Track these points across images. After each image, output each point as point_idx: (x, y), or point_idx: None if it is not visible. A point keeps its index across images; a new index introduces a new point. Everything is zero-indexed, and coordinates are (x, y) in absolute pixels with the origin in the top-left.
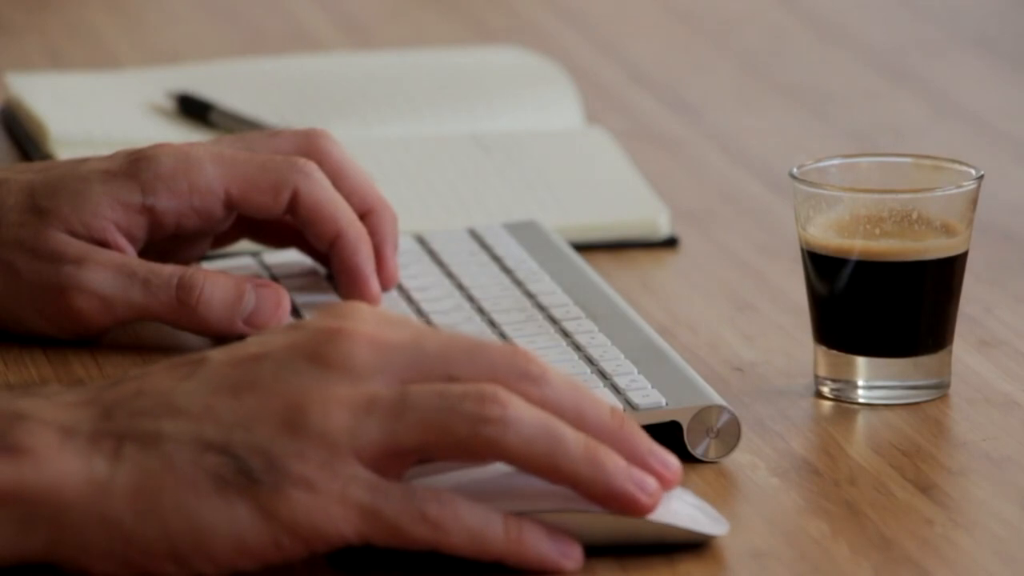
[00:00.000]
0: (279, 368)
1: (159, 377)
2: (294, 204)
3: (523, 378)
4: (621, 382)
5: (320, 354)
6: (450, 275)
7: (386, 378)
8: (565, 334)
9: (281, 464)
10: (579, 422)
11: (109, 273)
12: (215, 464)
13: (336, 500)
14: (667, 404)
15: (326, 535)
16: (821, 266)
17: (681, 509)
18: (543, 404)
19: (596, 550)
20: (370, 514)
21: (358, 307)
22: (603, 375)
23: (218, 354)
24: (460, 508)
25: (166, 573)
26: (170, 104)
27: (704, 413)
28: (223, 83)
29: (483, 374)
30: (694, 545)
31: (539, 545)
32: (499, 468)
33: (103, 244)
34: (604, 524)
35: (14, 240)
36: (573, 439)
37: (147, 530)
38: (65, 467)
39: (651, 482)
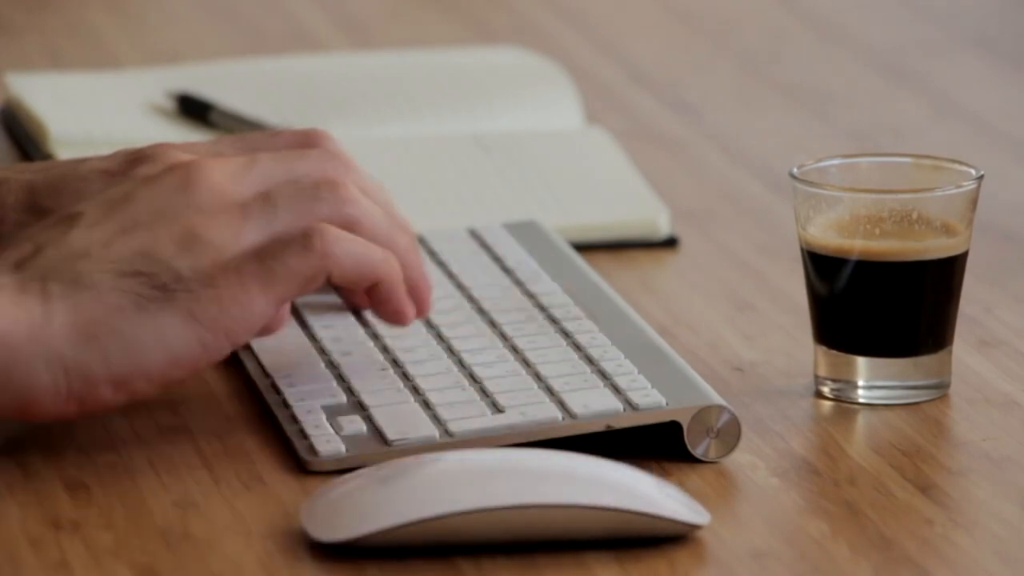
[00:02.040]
0: (154, 202)
1: (45, 234)
2: None
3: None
4: (621, 382)
5: (185, 183)
6: (450, 275)
7: (244, 188)
8: (565, 334)
9: (186, 273)
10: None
11: None
12: (132, 285)
13: (237, 286)
14: (667, 404)
15: (241, 319)
16: (821, 266)
17: (664, 502)
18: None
19: (595, 549)
20: (267, 278)
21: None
22: (603, 375)
23: (88, 206)
24: (340, 235)
25: (106, 399)
26: (170, 104)
27: (704, 413)
28: (223, 83)
29: (315, 171)
30: (689, 542)
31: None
32: (503, 454)
33: None
34: (595, 518)
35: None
36: (400, 217)
37: (87, 358)
38: (6, 312)
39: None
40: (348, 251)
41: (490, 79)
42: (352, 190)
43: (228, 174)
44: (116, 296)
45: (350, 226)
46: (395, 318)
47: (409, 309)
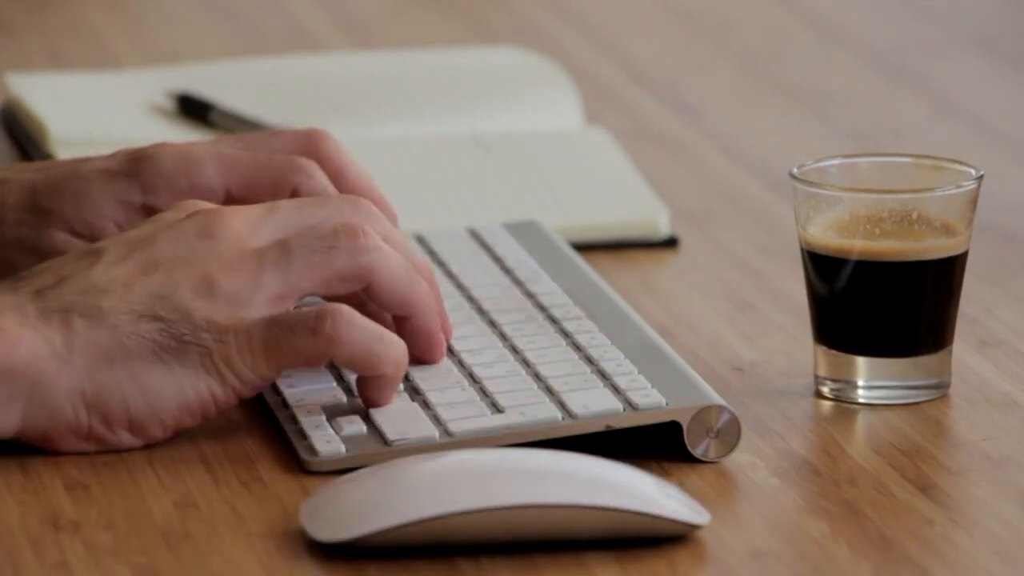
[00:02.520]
0: (175, 246)
1: (68, 267)
2: None
3: (363, 216)
4: (621, 382)
5: (206, 230)
6: (450, 275)
7: (262, 235)
8: (565, 334)
9: (200, 324)
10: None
11: None
12: (150, 330)
13: (246, 349)
14: (667, 404)
15: (246, 379)
16: (821, 266)
17: (664, 502)
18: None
19: (595, 549)
20: (272, 349)
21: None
22: (603, 375)
23: (110, 244)
24: (354, 321)
25: (122, 442)
26: (170, 104)
27: (704, 413)
28: (223, 83)
29: (335, 219)
30: (689, 542)
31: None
32: (503, 454)
33: None
34: (594, 518)
35: (15, 239)
36: (422, 264)
37: (107, 397)
38: (31, 342)
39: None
40: (356, 339)
41: (490, 79)
42: (372, 238)
43: (248, 222)
44: (135, 341)
45: (367, 275)
46: (370, 402)
47: (388, 403)
